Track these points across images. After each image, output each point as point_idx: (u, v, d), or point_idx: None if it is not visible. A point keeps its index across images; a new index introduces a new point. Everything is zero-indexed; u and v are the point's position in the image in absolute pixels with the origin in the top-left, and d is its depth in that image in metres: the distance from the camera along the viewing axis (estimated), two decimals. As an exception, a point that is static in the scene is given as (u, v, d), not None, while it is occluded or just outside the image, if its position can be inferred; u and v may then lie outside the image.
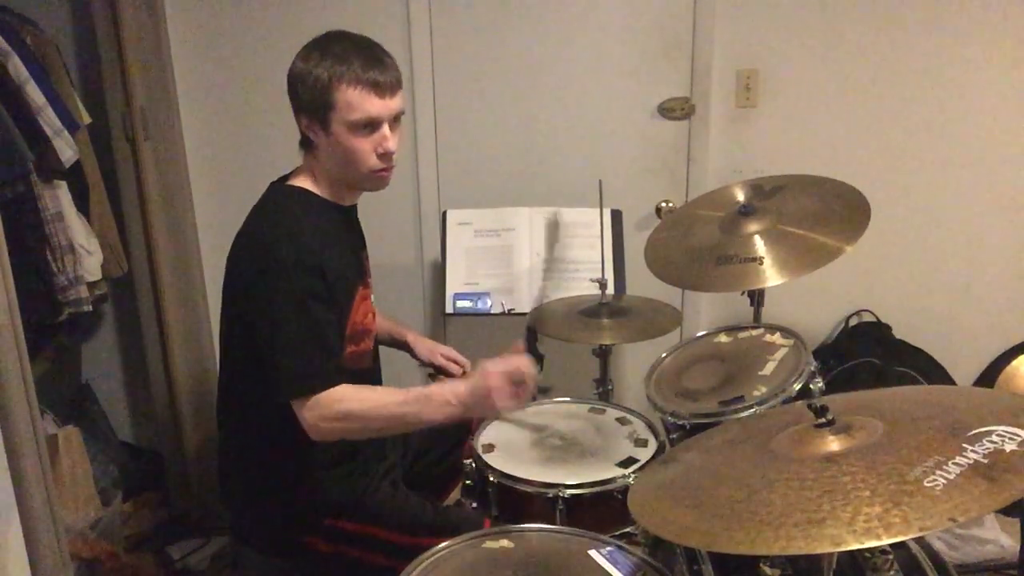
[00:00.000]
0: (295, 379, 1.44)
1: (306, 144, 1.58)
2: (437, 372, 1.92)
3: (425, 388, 1.46)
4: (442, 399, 1.43)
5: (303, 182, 1.59)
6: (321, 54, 1.48)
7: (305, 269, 1.46)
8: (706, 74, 2.46)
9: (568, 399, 1.88)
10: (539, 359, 2.19)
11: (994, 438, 0.88)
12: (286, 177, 1.62)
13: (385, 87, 1.48)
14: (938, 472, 0.85)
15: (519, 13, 2.46)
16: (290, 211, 1.54)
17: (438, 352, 1.93)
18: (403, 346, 1.95)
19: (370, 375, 1.69)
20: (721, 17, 2.42)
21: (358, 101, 1.46)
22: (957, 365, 2.54)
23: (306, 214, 1.54)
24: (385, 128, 1.51)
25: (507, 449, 1.65)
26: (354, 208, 1.69)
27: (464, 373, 1.89)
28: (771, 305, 1.99)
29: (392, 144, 1.52)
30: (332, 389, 1.44)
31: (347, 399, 1.44)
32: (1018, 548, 1.94)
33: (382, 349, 1.83)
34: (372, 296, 1.69)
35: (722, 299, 2.59)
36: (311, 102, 1.49)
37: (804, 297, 2.51)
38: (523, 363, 1.44)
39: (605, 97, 2.51)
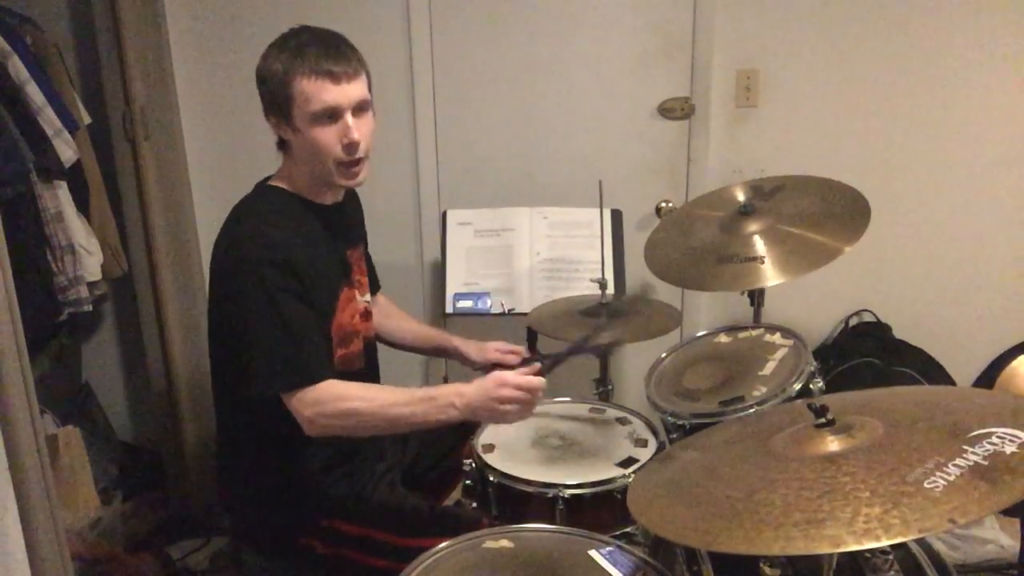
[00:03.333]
0: (272, 375, 1.43)
1: (282, 145, 1.58)
2: (494, 367, 1.79)
3: (431, 389, 1.44)
4: (446, 402, 1.42)
5: (279, 182, 1.59)
6: (279, 50, 1.48)
7: (273, 265, 1.44)
8: (706, 74, 2.46)
9: (568, 399, 1.87)
10: (539, 359, 2.20)
11: (994, 440, 0.88)
12: (269, 178, 1.62)
13: (341, 75, 1.46)
14: (938, 473, 0.85)
15: (519, 13, 2.45)
16: (258, 210, 1.54)
17: (490, 349, 1.86)
18: (451, 353, 1.88)
19: (363, 377, 1.66)
20: (721, 17, 2.42)
21: (314, 91, 1.45)
22: (957, 365, 2.54)
23: (275, 212, 1.53)
24: (348, 117, 1.48)
25: (507, 449, 1.65)
26: (338, 207, 1.64)
27: (523, 361, 1.81)
28: (771, 305, 1.99)
29: (356, 134, 1.49)
30: (328, 384, 1.43)
31: (352, 397, 1.44)
32: (1018, 548, 1.94)
33: (381, 348, 1.82)
34: (361, 296, 1.67)
35: (722, 299, 2.59)
36: (273, 99, 1.49)
37: (804, 297, 2.51)
38: (540, 383, 1.42)
39: (605, 97, 2.50)
